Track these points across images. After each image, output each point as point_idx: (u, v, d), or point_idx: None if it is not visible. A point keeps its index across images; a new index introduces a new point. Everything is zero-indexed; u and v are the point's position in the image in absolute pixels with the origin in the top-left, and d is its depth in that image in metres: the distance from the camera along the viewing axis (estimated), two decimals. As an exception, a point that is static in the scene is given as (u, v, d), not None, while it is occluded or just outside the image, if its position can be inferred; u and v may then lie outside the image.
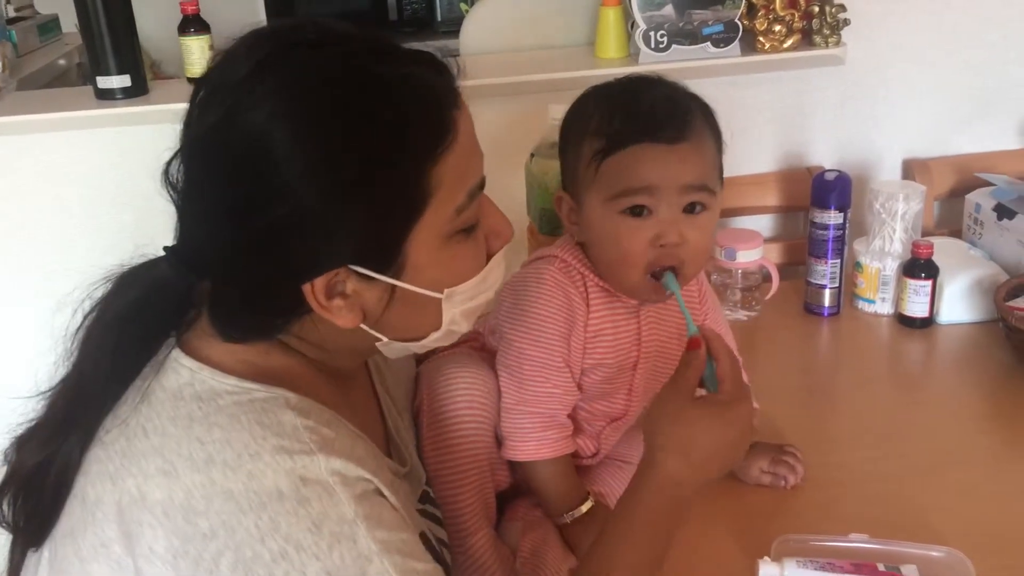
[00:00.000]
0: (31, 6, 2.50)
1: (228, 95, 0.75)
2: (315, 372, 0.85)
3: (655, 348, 1.15)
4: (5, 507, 0.83)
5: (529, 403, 1.09)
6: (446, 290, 0.83)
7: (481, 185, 0.83)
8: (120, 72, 1.59)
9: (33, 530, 0.81)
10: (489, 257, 0.87)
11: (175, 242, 0.83)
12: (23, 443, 0.83)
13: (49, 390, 0.85)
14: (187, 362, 0.80)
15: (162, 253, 0.83)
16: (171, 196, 0.80)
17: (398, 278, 0.80)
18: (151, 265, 0.83)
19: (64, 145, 1.65)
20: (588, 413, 1.16)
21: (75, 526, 0.78)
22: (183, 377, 0.80)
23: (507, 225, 0.88)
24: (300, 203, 0.74)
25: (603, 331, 1.11)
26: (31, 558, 0.83)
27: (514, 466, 1.14)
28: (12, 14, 2.37)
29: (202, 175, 0.78)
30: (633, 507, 0.91)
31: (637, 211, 1.02)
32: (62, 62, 2.31)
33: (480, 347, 1.18)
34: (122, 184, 1.64)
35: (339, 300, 0.79)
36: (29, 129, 1.62)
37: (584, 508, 1.11)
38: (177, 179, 0.80)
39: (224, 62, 0.77)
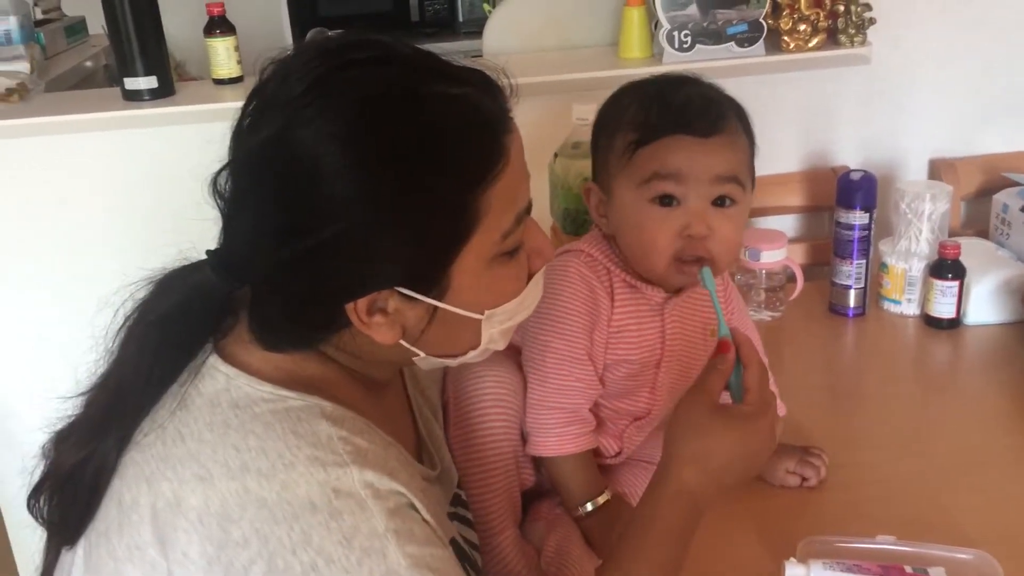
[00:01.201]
0: (58, 8, 2.52)
1: (282, 111, 0.75)
2: (350, 380, 0.85)
3: (680, 347, 1.14)
4: (42, 504, 0.84)
5: (551, 396, 1.09)
6: (487, 312, 0.83)
7: (528, 209, 0.83)
8: (147, 73, 1.61)
9: (68, 528, 0.82)
10: (530, 277, 0.87)
11: (218, 246, 0.82)
12: (61, 441, 0.84)
13: (88, 389, 0.85)
14: (224, 368, 0.81)
15: (203, 257, 0.83)
16: (217, 203, 0.80)
17: (441, 299, 0.79)
18: (193, 268, 0.83)
19: (92, 146, 1.66)
20: (611, 411, 1.16)
21: (110, 527, 0.78)
22: (219, 383, 0.80)
23: (549, 246, 0.88)
24: (349, 226, 0.74)
25: (627, 327, 1.11)
26: (65, 556, 0.84)
27: (538, 464, 1.14)
28: (40, 16, 2.39)
29: (251, 189, 0.78)
30: (648, 518, 0.90)
31: (667, 201, 1.03)
32: (89, 64, 2.33)
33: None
34: (149, 184, 1.66)
35: (380, 317, 0.79)
36: (57, 130, 1.64)
37: (601, 500, 1.10)
38: (224, 186, 0.80)
39: (279, 76, 0.77)
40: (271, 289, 0.80)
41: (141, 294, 0.83)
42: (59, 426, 0.85)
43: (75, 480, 0.80)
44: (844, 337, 1.64)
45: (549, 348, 1.09)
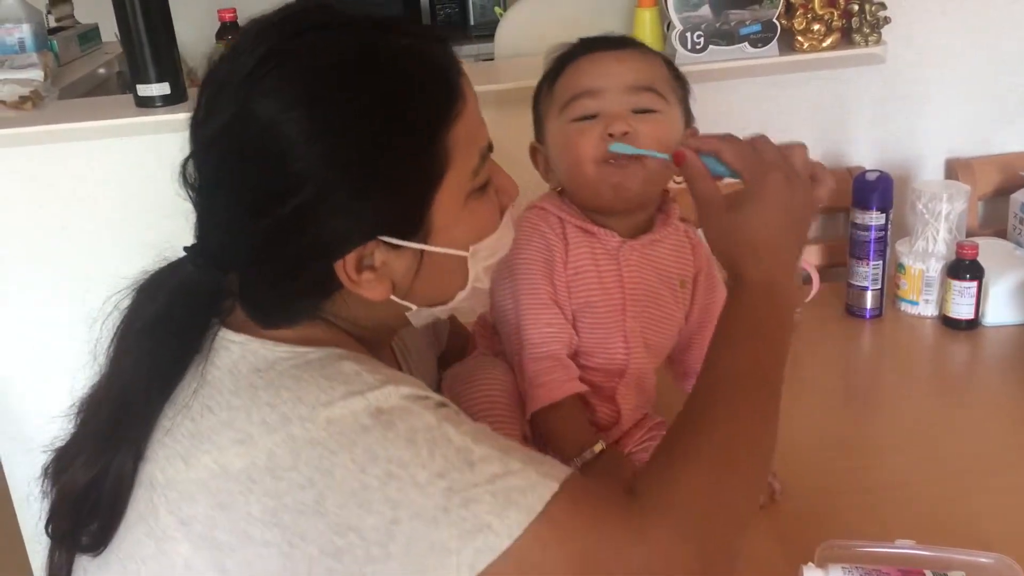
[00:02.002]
0: (72, 16, 2.53)
1: (238, 90, 0.76)
2: (355, 343, 0.87)
3: (641, 292, 1.15)
4: (61, 526, 0.83)
5: (529, 348, 1.10)
6: (471, 247, 0.86)
7: (490, 147, 0.87)
8: (160, 80, 1.61)
9: (94, 541, 0.81)
10: (501, 213, 0.90)
11: (196, 239, 0.84)
12: (67, 459, 0.83)
13: (85, 404, 0.85)
14: (236, 337, 0.82)
15: (183, 254, 0.84)
16: (189, 195, 0.82)
17: (425, 243, 0.82)
18: (175, 267, 0.85)
19: (105, 153, 1.67)
20: (595, 371, 1.15)
21: (143, 511, 0.78)
22: (235, 353, 0.81)
23: (513, 183, 0.91)
24: (322, 184, 0.75)
25: (584, 268, 1.12)
26: (79, 559, 0.84)
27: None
28: (53, 24, 2.40)
29: (221, 172, 0.79)
30: (732, 320, 0.90)
31: (588, 119, 1.07)
32: (102, 71, 2.34)
33: (498, 352, 1.19)
34: (162, 191, 1.65)
35: (368, 273, 0.81)
36: (70, 137, 1.64)
37: (596, 448, 1.08)
38: (194, 178, 0.81)
39: (229, 57, 0.79)
40: (256, 267, 0.81)
41: (126, 302, 0.84)
42: (59, 444, 0.85)
43: (92, 498, 0.80)
44: (861, 339, 1.63)
45: (516, 302, 1.11)
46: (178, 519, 0.76)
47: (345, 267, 0.79)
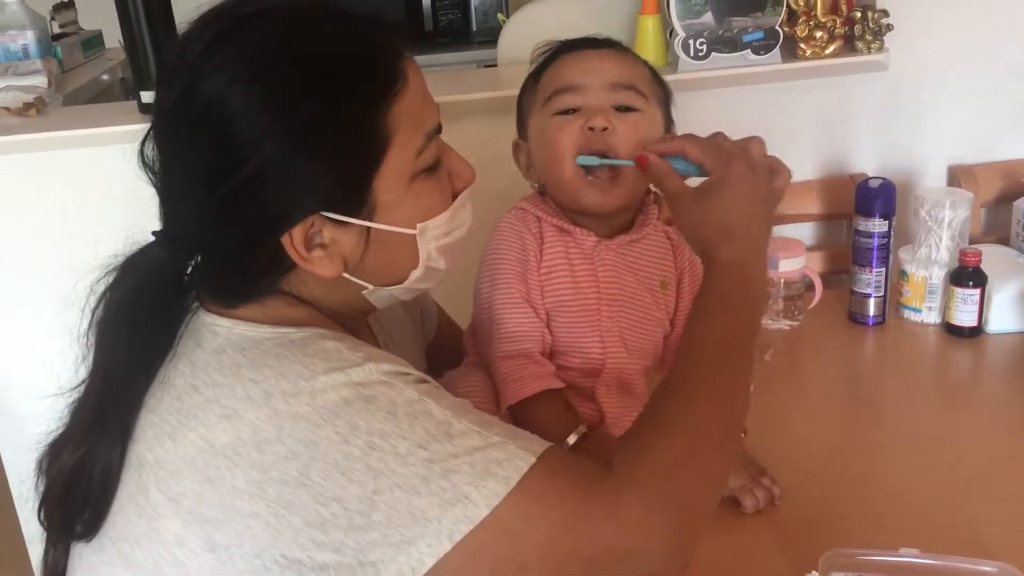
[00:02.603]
0: (75, 22, 2.54)
1: (187, 72, 0.80)
2: (335, 324, 0.89)
3: (617, 291, 1.14)
4: (53, 512, 0.85)
5: (501, 345, 1.10)
6: (418, 225, 0.88)
7: (438, 130, 0.89)
8: (163, 86, 1.61)
9: (86, 526, 0.83)
10: (454, 196, 0.92)
11: (161, 224, 0.87)
12: (58, 448, 0.86)
13: (73, 392, 0.87)
14: (221, 321, 0.85)
15: (152, 239, 0.87)
16: (150, 178, 0.86)
17: (370, 219, 0.84)
18: (144, 250, 0.88)
19: (109, 159, 1.67)
20: (572, 370, 1.14)
21: (133, 492, 0.80)
22: (220, 335, 0.84)
23: (468, 167, 0.94)
24: (265, 157, 0.78)
25: (557, 267, 1.13)
26: (74, 549, 0.86)
27: None
28: (57, 30, 2.41)
29: (172, 148, 0.84)
30: (705, 298, 0.94)
31: (569, 113, 1.09)
32: (105, 77, 2.35)
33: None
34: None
35: (318, 251, 0.83)
36: (75, 144, 1.65)
37: (580, 431, 1.07)
38: (154, 162, 0.85)
39: (182, 44, 0.83)
40: (211, 244, 0.85)
41: (100, 287, 0.87)
42: (51, 438, 0.87)
43: (82, 484, 0.82)
44: (864, 346, 1.63)
45: (490, 301, 1.12)
46: (167, 496, 0.78)
47: (293, 242, 0.82)
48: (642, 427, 0.89)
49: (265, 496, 0.75)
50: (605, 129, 1.07)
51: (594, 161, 1.07)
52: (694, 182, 1.00)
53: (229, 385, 0.79)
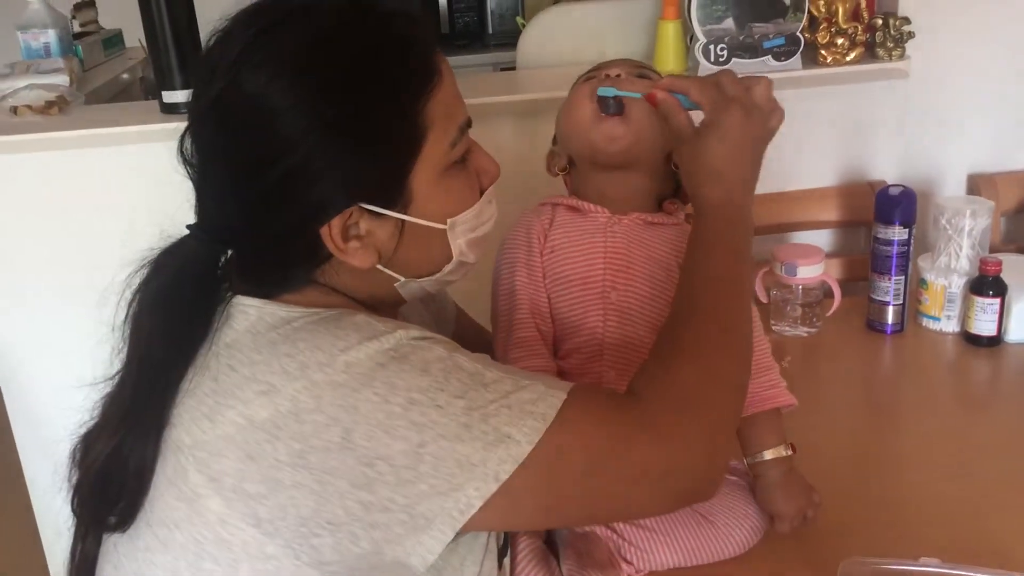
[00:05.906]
0: (95, 21, 2.55)
1: (229, 68, 0.82)
2: (364, 309, 0.90)
3: (624, 265, 1.14)
4: (86, 504, 0.86)
5: (511, 336, 1.12)
6: (449, 220, 0.90)
7: (468, 123, 0.92)
8: (185, 86, 1.62)
9: (121, 518, 0.84)
10: (481, 192, 0.94)
11: (197, 217, 0.89)
12: (92, 439, 0.87)
13: (106, 384, 0.88)
14: (252, 302, 0.86)
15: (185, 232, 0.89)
16: (187, 172, 0.87)
17: (406, 212, 0.86)
18: (179, 244, 0.89)
19: (131, 158, 1.68)
20: (575, 353, 1.13)
21: (172, 476, 0.81)
22: (252, 316, 0.85)
23: (493, 163, 0.96)
24: (308, 151, 0.80)
25: (559, 245, 1.15)
26: (107, 541, 0.86)
27: None
28: (78, 29, 2.42)
29: (213, 143, 0.85)
30: (700, 235, 0.99)
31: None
32: (126, 76, 2.36)
33: None
34: (189, 196, 1.66)
35: (355, 242, 0.85)
36: (97, 143, 1.65)
37: None
38: (192, 156, 0.86)
39: (221, 40, 0.84)
40: (251, 235, 0.86)
41: (136, 280, 0.89)
42: (84, 429, 0.88)
43: (116, 473, 0.83)
44: (882, 354, 1.62)
45: (496, 289, 1.16)
46: (207, 476, 0.79)
47: (331, 234, 0.83)
48: (659, 355, 0.93)
49: (307, 465, 0.77)
50: (619, 76, 1.14)
51: (610, 91, 1.12)
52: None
53: (265, 361, 0.80)
